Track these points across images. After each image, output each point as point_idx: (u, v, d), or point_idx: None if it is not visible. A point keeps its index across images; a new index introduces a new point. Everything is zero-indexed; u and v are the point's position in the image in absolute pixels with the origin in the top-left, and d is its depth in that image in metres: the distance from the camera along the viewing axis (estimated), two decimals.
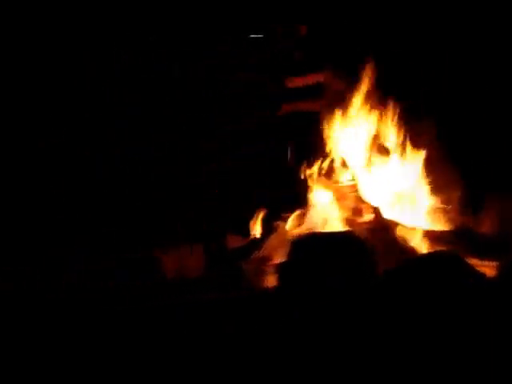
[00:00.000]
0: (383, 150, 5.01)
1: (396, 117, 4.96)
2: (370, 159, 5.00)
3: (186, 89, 5.73)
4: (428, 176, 4.90)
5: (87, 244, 5.15)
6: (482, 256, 4.45)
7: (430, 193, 4.89)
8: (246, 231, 5.11)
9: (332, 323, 3.85)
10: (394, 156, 4.99)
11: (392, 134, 4.98)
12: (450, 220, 4.82)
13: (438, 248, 4.54)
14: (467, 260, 4.27)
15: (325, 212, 4.92)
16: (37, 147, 5.46)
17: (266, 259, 4.70)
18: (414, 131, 4.94)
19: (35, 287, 4.45)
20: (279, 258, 4.57)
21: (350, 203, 4.90)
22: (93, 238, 5.27)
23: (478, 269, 4.23)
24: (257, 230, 5.06)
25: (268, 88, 5.82)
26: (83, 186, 5.49)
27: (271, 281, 4.46)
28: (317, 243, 4.43)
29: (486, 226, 4.78)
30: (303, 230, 4.85)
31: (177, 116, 5.67)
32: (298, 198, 5.04)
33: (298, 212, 5.00)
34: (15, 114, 5.47)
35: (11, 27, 5.43)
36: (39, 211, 5.40)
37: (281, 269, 4.39)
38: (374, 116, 5.00)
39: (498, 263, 4.35)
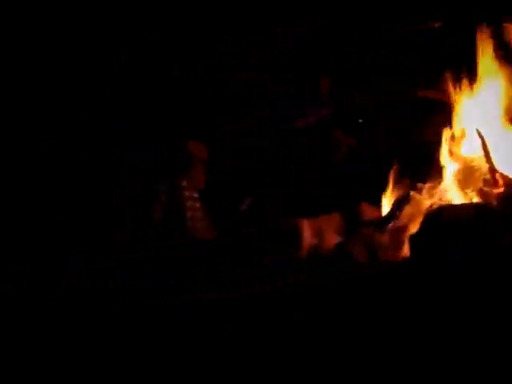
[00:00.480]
0: None
1: None
2: (502, 128, 4.90)
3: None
4: None
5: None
6: None
7: None
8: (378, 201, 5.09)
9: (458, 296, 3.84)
10: None
11: None
12: None
13: None
14: None
15: (458, 183, 4.86)
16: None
17: (402, 230, 4.71)
18: None
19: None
20: (414, 229, 4.55)
21: (483, 174, 4.81)
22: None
23: None
24: (391, 200, 5.02)
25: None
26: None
27: (406, 252, 4.49)
28: (450, 214, 4.38)
29: None
30: (437, 201, 4.81)
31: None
32: (432, 170, 4.99)
33: (432, 183, 4.94)
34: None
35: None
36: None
37: (412, 240, 4.39)
38: (503, 84, 4.90)
39: None
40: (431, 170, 4.98)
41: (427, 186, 4.94)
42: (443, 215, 4.40)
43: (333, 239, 4.79)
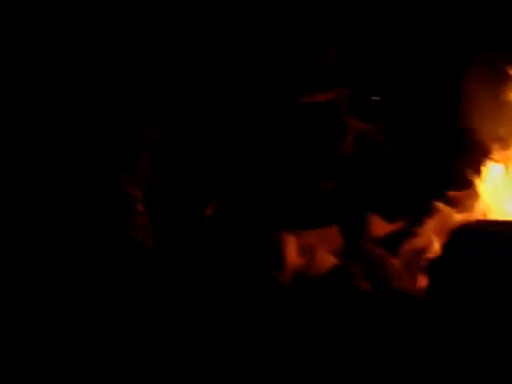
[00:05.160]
0: None
1: None
2: None
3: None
4: None
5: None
6: None
7: None
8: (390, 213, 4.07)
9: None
10: None
11: None
12: None
13: None
14: None
15: (499, 194, 3.90)
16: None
17: (421, 251, 3.78)
18: None
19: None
20: (437, 251, 3.64)
21: None
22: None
23: None
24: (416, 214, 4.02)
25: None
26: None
27: (424, 281, 3.62)
28: (488, 233, 3.39)
29: None
30: (470, 215, 3.81)
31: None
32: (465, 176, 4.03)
33: (465, 191, 3.95)
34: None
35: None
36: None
37: (433, 266, 3.52)
38: None
39: None
40: (464, 174, 4.02)
41: (458, 194, 3.94)
42: (475, 234, 3.40)
43: (327, 260, 3.89)
